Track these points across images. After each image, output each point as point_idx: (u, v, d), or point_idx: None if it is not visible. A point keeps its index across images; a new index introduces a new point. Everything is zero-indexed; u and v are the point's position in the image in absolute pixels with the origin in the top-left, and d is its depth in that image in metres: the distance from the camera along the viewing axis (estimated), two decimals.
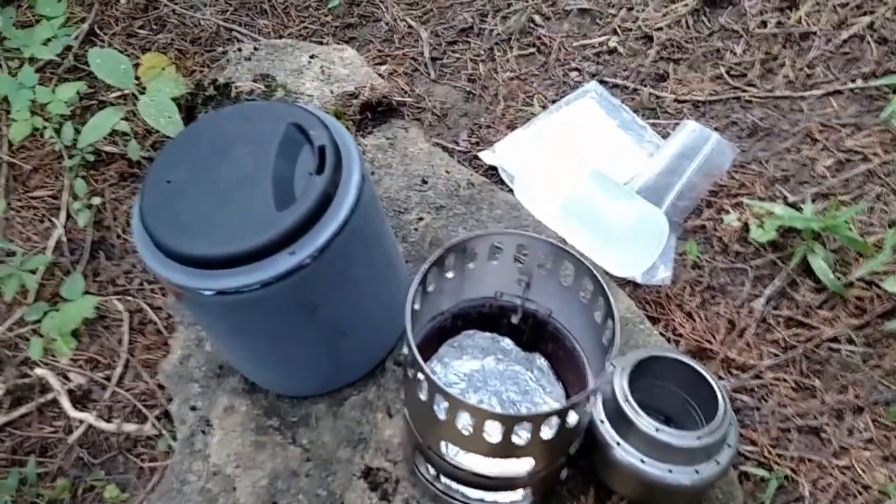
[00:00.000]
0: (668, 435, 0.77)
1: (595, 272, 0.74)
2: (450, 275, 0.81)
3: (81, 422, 1.03)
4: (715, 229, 1.12)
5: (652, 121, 1.25)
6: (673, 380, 0.86)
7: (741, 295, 1.06)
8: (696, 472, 0.78)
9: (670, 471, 0.78)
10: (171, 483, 0.93)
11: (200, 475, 0.93)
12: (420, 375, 0.68)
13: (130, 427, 1.02)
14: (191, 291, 0.75)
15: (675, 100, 1.28)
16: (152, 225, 0.75)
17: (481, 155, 1.21)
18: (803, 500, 0.92)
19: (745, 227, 1.10)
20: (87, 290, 1.13)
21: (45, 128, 1.21)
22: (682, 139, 1.18)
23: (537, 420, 0.68)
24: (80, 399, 1.06)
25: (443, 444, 0.77)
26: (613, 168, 1.16)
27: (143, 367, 1.07)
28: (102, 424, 1.02)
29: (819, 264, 1.05)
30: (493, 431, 0.68)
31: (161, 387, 1.04)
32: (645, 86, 1.29)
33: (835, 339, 1.02)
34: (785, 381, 1.00)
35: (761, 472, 0.93)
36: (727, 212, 1.13)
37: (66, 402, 1.04)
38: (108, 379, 1.07)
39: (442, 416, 0.70)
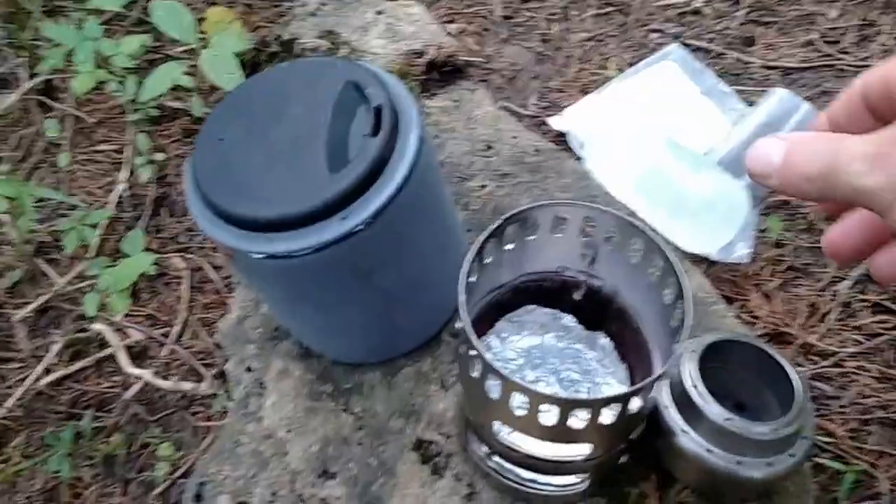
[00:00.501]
0: (739, 425, 0.72)
1: (666, 249, 0.69)
2: (509, 246, 0.77)
3: (138, 378, 1.03)
4: (800, 205, 1.04)
5: (737, 87, 1.17)
6: (747, 365, 0.80)
7: (825, 277, 1.00)
8: (769, 464, 0.73)
9: (739, 462, 0.73)
10: (225, 444, 0.92)
11: (253, 437, 0.92)
12: (472, 351, 0.65)
13: (187, 385, 1.02)
14: (240, 253, 0.73)
15: (763, 66, 1.20)
16: (203, 183, 0.73)
17: (550, 120, 1.15)
18: (881, 496, 0.86)
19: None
20: (147, 246, 1.13)
21: (108, 81, 1.20)
22: (769, 108, 1.10)
23: (597, 405, 0.64)
24: (138, 355, 1.07)
25: (496, 423, 0.73)
26: (693, 137, 1.09)
27: (201, 325, 1.07)
28: (159, 382, 1.02)
29: None
30: (548, 414, 0.64)
31: (218, 346, 1.03)
32: (731, 50, 1.21)
33: None
34: (868, 370, 0.94)
35: (837, 465, 0.88)
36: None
37: (123, 358, 1.04)
38: (166, 336, 1.07)
39: (494, 395, 0.66)
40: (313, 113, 0.74)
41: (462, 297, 0.65)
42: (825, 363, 0.94)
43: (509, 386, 0.64)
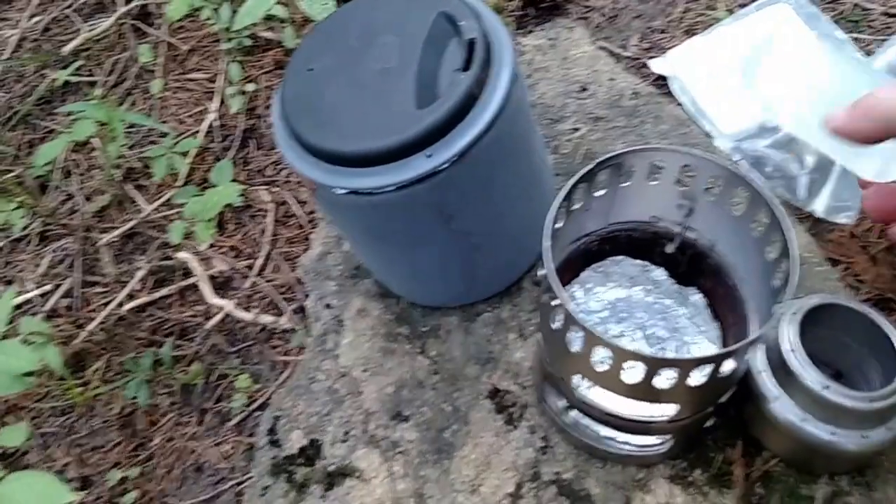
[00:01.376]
0: (837, 393, 0.67)
1: (773, 202, 0.64)
2: (599, 193, 0.72)
3: (220, 309, 1.04)
4: None
5: (854, 35, 1.08)
6: (849, 332, 0.75)
7: None
8: (864, 437, 0.68)
9: (834, 433, 0.69)
10: (300, 379, 0.92)
11: (329, 375, 0.91)
12: (554, 301, 0.61)
13: (267, 318, 1.02)
14: (323, 188, 0.71)
15: (885, 13, 1.10)
16: (290, 114, 0.71)
17: (651, 63, 1.09)
18: None
19: None
20: (235, 177, 1.13)
21: (203, 7, 1.19)
22: (890, 57, 1.02)
23: (686, 366, 0.60)
24: (221, 286, 1.07)
25: (575, 377, 0.70)
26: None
27: (283, 259, 1.07)
28: (241, 313, 1.03)
29: None
30: (632, 372, 0.61)
31: (300, 281, 1.02)
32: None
33: None
34: None
35: None
36: None
37: (206, 288, 1.04)
38: (249, 268, 1.07)
39: (576, 347, 0.63)
40: (404, 44, 0.71)
41: (547, 244, 0.62)
42: None
43: (592, 339, 0.60)
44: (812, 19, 1.08)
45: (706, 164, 0.68)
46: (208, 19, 1.21)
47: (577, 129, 1.01)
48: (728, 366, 0.62)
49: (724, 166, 0.67)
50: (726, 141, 1.00)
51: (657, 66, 1.08)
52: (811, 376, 0.68)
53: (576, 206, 0.72)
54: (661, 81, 1.09)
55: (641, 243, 0.81)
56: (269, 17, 1.13)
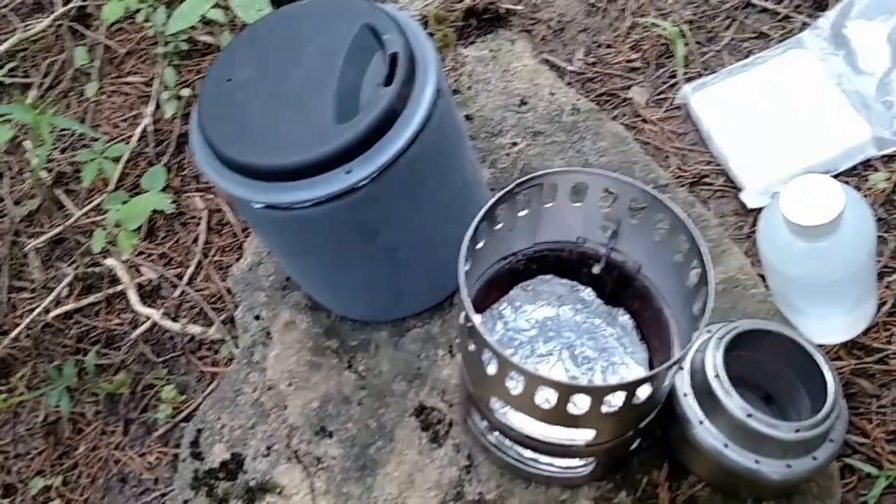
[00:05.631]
0: (761, 422, 0.67)
1: (692, 228, 0.64)
2: (523, 213, 0.72)
3: (147, 318, 1.01)
4: (857, 188, 0.97)
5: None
6: (780, 356, 0.75)
7: (877, 267, 0.92)
8: (788, 466, 0.68)
9: (758, 462, 0.68)
10: (226, 392, 0.90)
11: (255, 387, 0.90)
12: (469, 323, 0.60)
13: (195, 329, 1.00)
14: (241, 202, 0.69)
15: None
16: (207, 125, 0.70)
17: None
18: None
19: (895, 189, 0.95)
20: (169, 183, 1.11)
21: (139, 10, 1.16)
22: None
23: (598, 392, 0.59)
24: (149, 294, 1.05)
25: (493, 399, 0.69)
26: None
27: (215, 268, 1.05)
28: (168, 323, 1.00)
29: None
30: (546, 396, 0.60)
31: (230, 291, 1.00)
32: (798, 13, 1.12)
33: None
34: None
35: (869, 469, 0.81)
36: (875, 169, 0.97)
37: (133, 296, 1.02)
38: (179, 277, 1.05)
39: (491, 370, 0.62)
40: (326, 57, 0.69)
41: (462, 263, 0.61)
42: (868, 359, 0.87)
43: (505, 364, 0.59)
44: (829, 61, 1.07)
45: (628, 187, 0.67)
46: (146, 21, 1.18)
47: (515, 144, 1.00)
48: (644, 392, 0.61)
49: (645, 190, 0.66)
50: (752, 197, 0.99)
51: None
52: (735, 403, 0.68)
53: (499, 226, 0.72)
54: (604, 97, 1.09)
55: (569, 263, 0.80)
56: (207, 22, 1.11)
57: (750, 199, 0.97)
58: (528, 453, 0.76)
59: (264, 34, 0.75)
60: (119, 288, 1.04)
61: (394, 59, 0.67)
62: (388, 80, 0.66)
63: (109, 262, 1.04)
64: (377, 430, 0.84)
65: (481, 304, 0.81)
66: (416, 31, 0.71)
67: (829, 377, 0.69)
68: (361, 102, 0.67)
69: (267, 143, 0.67)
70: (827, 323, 0.85)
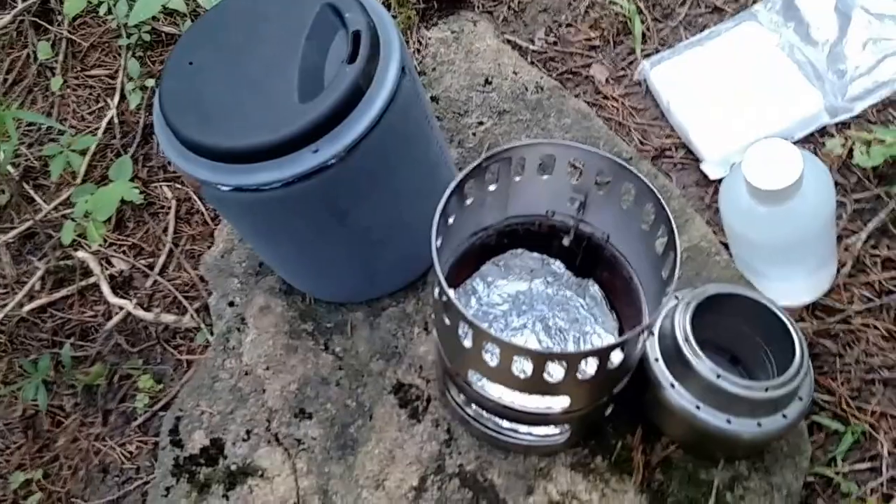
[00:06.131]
0: (730, 383, 0.68)
1: (659, 195, 0.65)
2: (492, 187, 0.72)
3: (121, 308, 1.01)
4: (815, 153, 0.99)
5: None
6: (746, 319, 0.76)
7: (837, 229, 0.94)
8: (759, 424, 0.70)
9: (729, 421, 0.70)
10: (203, 379, 0.90)
11: (232, 373, 0.90)
12: (443, 297, 0.61)
13: (169, 318, 1.00)
14: (208, 186, 0.69)
15: None
16: (170, 110, 0.69)
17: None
18: (880, 458, 0.82)
19: (850, 154, 0.97)
20: (136, 174, 1.10)
21: (100, 3, 1.15)
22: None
23: (573, 359, 0.60)
24: (122, 285, 1.04)
25: (470, 371, 0.70)
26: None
27: (186, 257, 1.04)
28: (141, 313, 1.00)
29: None
30: (522, 366, 0.61)
31: (203, 279, 1.00)
32: None
33: None
34: (875, 328, 0.89)
35: (836, 425, 0.84)
36: (831, 136, 0.99)
37: (105, 288, 1.02)
38: (150, 267, 1.04)
39: (467, 343, 0.63)
40: (289, 37, 0.69)
41: (434, 238, 0.62)
42: (831, 319, 0.89)
43: (480, 335, 0.60)
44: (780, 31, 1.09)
45: (594, 158, 0.69)
46: (108, 14, 1.17)
47: (481, 123, 1.01)
48: (616, 357, 0.63)
49: (611, 159, 0.67)
50: (712, 167, 1.00)
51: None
52: (704, 365, 0.69)
53: (470, 201, 0.72)
54: (566, 75, 1.10)
55: (539, 237, 0.81)
56: (169, 12, 1.11)
57: (710, 169, 0.99)
58: (505, 423, 0.77)
59: (225, 17, 0.74)
60: (91, 280, 1.03)
61: (356, 36, 0.67)
62: (352, 58, 0.66)
63: (81, 254, 1.03)
64: (356, 409, 0.85)
65: (454, 281, 0.82)
66: (377, 9, 0.71)
67: (795, 336, 0.71)
68: (326, 81, 0.67)
69: (232, 124, 0.67)
70: (790, 286, 0.87)
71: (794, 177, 0.71)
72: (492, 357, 0.62)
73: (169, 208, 1.08)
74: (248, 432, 0.86)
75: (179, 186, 1.10)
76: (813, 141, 1.00)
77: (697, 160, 1.01)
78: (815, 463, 0.82)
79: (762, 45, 1.06)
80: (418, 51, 1.08)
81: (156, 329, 1.00)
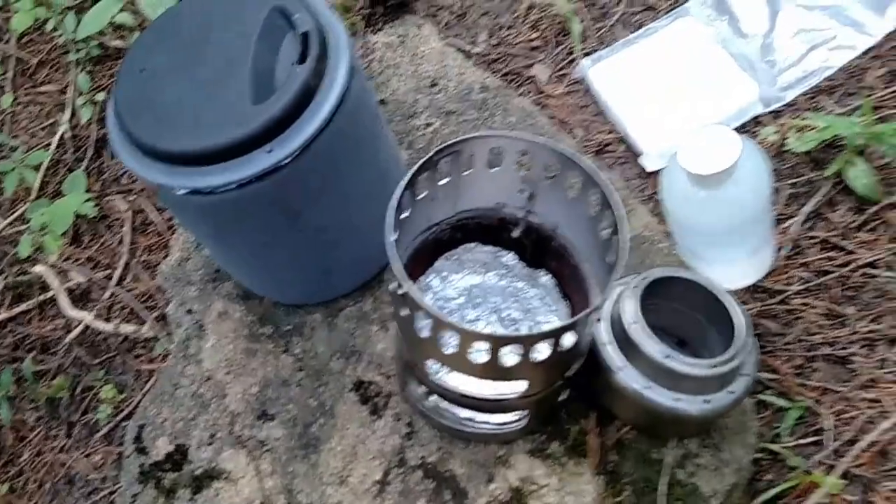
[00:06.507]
0: (678, 362, 0.71)
1: (603, 183, 0.68)
2: (444, 181, 0.75)
3: (80, 321, 1.01)
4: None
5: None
6: (690, 302, 0.79)
7: (774, 214, 0.99)
8: (707, 401, 0.73)
9: (677, 399, 0.73)
10: (165, 386, 0.91)
11: (193, 380, 0.91)
12: (400, 290, 0.63)
13: (128, 328, 1.01)
14: (165, 190, 0.71)
15: None
16: (124, 116, 0.70)
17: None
18: (824, 432, 0.86)
19: (783, 142, 1.01)
20: (90, 188, 1.11)
21: (48, 19, 1.16)
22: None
23: (527, 341, 0.63)
24: (80, 298, 1.05)
25: (429, 362, 0.72)
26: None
27: (143, 268, 1.05)
28: (100, 325, 1.01)
29: (856, 174, 0.95)
30: (479, 352, 0.63)
31: (160, 289, 1.01)
32: None
33: (872, 265, 0.94)
34: (815, 307, 0.93)
35: (781, 402, 0.87)
36: (765, 124, 1.03)
37: (64, 301, 1.02)
38: (108, 279, 1.05)
39: (425, 333, 0.65)
40: (239, 40, 0.71)
41: (389, 233, 0.64)
42: (772, 300, 0.93)
43: (438, 324, 0.62)
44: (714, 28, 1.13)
45: (540, 149, 0.71)
46: (55, 30, 1.18)
47: (430, 124, 1.03)
48: (568, 339, 0.65)
49: (558, 150, 0.70)
50: (651, 160, 1.04)
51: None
52: (652, 347, 0.72)
53: (421, 195, 0.74)
54: (509, 76, 1.13)
55: (490, 229, 0.84)
56: (117, 26, 1.11)
57: (649, 162, 1.03)
58: (464, 413, 0.79)
59: (175, 23, 0.75)
60: (49, 294, 1.04)
61: (306, 37, 0.69)
62: (302, 59, 0.68)
63: (38, 268, 1.03)
64: (318, 408, 0.86)
65: (410, 277, 0.83)
66: (325, 11, 0.73)
67: (735, 314, 0.74)
68: (277, 82, 0.68)
69: (186, 128, 0.68)
70: (731, 269, 0.91)
71: (731, 161, 0.74)
72: (449, 346, 0.64)
73: (123, 220, 1.08)
74: (211, 436, 0.87)
75: (133, 198, 1.11)
76: (748, 130, 1.04)
77: (637, 154, 1.05)
78: (762, 439, 0.85)
79: (696, 39, 1.10)
80: (365, 55, 1.10)
81: (116, 340, 1.01)
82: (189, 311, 0.95)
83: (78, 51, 1.19)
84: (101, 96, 1.17)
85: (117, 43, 1.22)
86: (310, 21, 0.70)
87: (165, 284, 0.99)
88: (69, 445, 0.96)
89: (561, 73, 1.13)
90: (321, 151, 0.70)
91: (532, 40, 1.17)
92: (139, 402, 0.95)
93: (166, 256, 1.02)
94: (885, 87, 1.03)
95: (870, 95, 1.02)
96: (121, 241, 1.07)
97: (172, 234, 1.05)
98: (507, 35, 1.17)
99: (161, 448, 0.87)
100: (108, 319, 1.02)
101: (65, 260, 1.06)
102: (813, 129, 0.98)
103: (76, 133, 1.17)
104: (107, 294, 1.03)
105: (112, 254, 1.07)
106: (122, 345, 1.01)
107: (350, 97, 0.71)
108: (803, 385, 0.89)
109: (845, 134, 0.96)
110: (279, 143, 0.67)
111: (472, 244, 0.86)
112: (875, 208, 0.96)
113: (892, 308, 0.91)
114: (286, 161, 0.68)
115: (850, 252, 0.95)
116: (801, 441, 0.87)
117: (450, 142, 0.70)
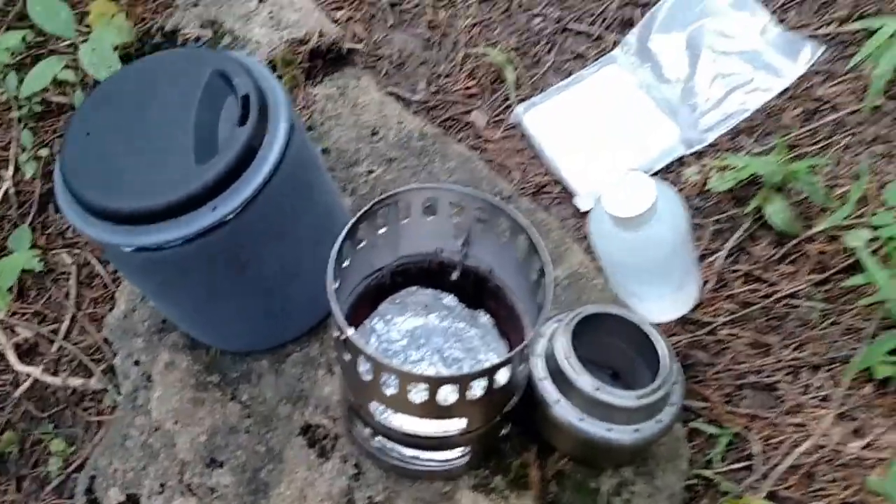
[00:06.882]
0: (608, 394, 0.76)
1: (528, 229, 0.72)
2: (382, 231, 0.78)
3: (28, 375, 1.02)
4: (674, 183, 1.09)
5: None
6: (620, 336, 0.84)
7: (698, 251, 1.04)
8: (637, 430, 0.77)
9: (610, 430, 0.77)
10: (115, 438, 0.92)
11: (142, 430, 0.92)
12: (342, 336, 0.66)
13: (76, 381, 1.01)
14: (112, 247, 0.73)
15: None
16: (71, 177, 0.72)
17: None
18: (753, 457, 0.90)
19: (706, 181, 1.07)
20: (35, 243, 1.11)
21: None
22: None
23: (462, 381, 0.66)
24: (27, 353, 1.05)
25: (372, 404, 0.75)
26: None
27: (90, 320, 1.06)
28: (49, 378, 1.01)
29: (774, 210, 1.01)
30: (418, 392, 0.67)
31: (107, 341, 1.02)
32: (609, 32, 1.24)
33: (794, 295, 1.00)
34: (741, 337, 0.98)
35: (711, 429, 0.91)
36: (688, 165, 1.09)
37: (11, 356, 1.03)
38: (55, 332, 1.05)
39: (367, 377, 0.68)
40: (181, 104, 0.74)
41: (330, 281, 0.67)
42: (701, 332, 0.98)
43: (378, 367, 0.66)
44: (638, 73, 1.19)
45: (469, 199, 0.75)
46: None
47: (371, 171, 1.07)
48: (503, 376, 0.69)
49: (486, 199, 0.74)
50: (584, 201, 1.08)
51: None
52: (584, 380, 0.76)
53: (362, 244, 0.78)
54: (448, 122, 1.17)
55: (430, 273, 0.87)
56: (59, 83, 1.13)
57: (582, 202, 1.08)
58: (409, 452, 0.82)
59: (119, 87, 0.78)
60: None
61: (246, 100, 0.72)
62: (243, 120, 0.72)
63: None
64: (266, 453, 0.88)
65: (353, 321, 0.86)
66: (264, 73, 0.77)
67: (659, 346, 0.78)
68: (220, 143, 0.72)
69: (132, 187, 0.71)
70: (659, 303, 0.95)
71: (648, 204, 0.79)
72: (390, 387, 0.68)
73: (69, 274, 1.09)
74: (161, 485, 0.88)
75: (78, 252, 1.12)
76: (673, 170, 1.10)
77: (571, 194, 1.10)
78: (695, 465, 0.89)
79: (622, 85, 1.16)
80: (306, 107, 1.14)
81: (64, 393, 1.01)
82: (136, 363, 0.96)
83: (20, 108, 1.20)
84: (44, 152, 1.18)
85: (59, 99, 1.23)
86: (249, 83, 0.73)
87: (112, 337, 1.00)
88: (20, 500, 0.96)
89: (498, 118, 1.18)
90: (264, 206, 0.73)
91: (469, 88, 1.21)
92: (89, 455, 0.95)
93: (112, 309, 1.03)
94: (801, 126, 1.10)
95: (786, 135, 1.08)
96: (67, 295, 1.08)
97: (118, 286, 1.06)
98: (445, 83, 1.21)
99: (112, 498, 0.88)
100: (55, 373, 1.02)
101: (11, 315, 1.07)
102: (733, 168, 1.04)
103: (20, 189, 1.18)
104: (54, 347, 1.04)
105: (59, 307, 1.08)
106: (70, 397, 1.01)
107: (290, 153, 0.74)
108: (732, 412, 0.93)
109: (762, 172, 1.02)
110: (222, 201, 0.70)
111: (414, 287, 0.90)
112: (794, 241, 1.02)
113: (814, 336, 0.96)
114: (230, 217, 0.71)
115: (773, 284, 1.00)
116: (733, 466, 0.90)
117: (386, 194, 0.74)
